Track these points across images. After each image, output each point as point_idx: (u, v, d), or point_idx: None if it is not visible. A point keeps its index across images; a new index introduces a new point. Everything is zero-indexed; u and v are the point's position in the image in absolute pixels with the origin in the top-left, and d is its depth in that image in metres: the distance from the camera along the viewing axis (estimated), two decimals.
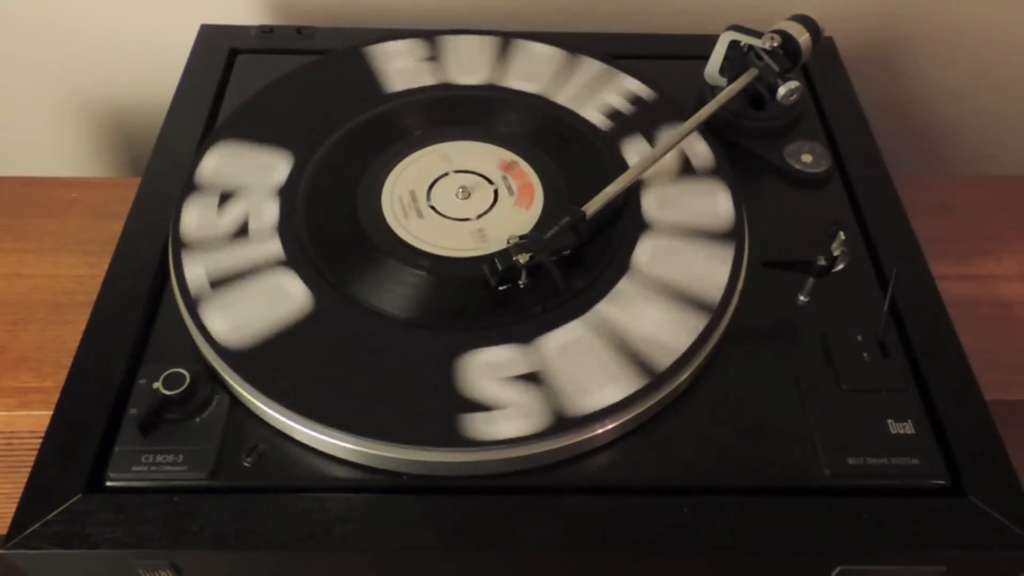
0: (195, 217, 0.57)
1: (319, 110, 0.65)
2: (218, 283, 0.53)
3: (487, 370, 0.50)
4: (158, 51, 0.86)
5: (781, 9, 0.69)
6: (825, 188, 0.63)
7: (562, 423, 0.47)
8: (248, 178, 0.60)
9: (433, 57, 0.69)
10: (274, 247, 0.55)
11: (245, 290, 0.53)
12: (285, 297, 0.53)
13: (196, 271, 0.54)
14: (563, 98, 0.66)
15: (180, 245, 0.55)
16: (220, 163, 0.61)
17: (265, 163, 0.61)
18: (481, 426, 0.47)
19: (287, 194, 0.58)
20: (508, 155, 0.61)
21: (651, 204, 0.59)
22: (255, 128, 0.63)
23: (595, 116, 0.65)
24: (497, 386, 0.49)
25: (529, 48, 0.70)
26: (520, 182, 0.59)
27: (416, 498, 0.46)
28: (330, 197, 0.58)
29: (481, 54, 0.70)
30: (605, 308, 0.53)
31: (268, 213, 0.57)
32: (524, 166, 0.60)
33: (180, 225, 0.57)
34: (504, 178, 0.59)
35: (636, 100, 0.66)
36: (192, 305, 0.52)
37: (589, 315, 0.52)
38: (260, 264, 0.55)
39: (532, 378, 0.49)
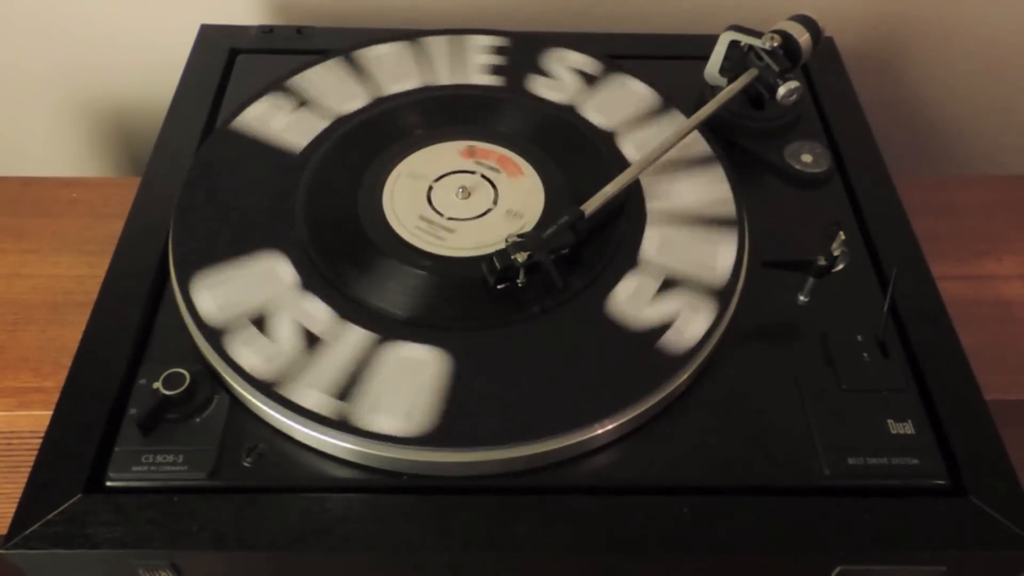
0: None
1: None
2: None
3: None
4: (158, 51, 0.86)
5: (781, 9, 0.69)
6: (825, 188, 0.63)
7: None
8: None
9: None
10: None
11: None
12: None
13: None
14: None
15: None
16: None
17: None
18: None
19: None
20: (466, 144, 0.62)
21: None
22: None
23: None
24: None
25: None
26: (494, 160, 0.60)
27: (416, 498, 0.46)
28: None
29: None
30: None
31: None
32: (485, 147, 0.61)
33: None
34: (478, 163, 0.60)
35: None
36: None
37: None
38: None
39: None
